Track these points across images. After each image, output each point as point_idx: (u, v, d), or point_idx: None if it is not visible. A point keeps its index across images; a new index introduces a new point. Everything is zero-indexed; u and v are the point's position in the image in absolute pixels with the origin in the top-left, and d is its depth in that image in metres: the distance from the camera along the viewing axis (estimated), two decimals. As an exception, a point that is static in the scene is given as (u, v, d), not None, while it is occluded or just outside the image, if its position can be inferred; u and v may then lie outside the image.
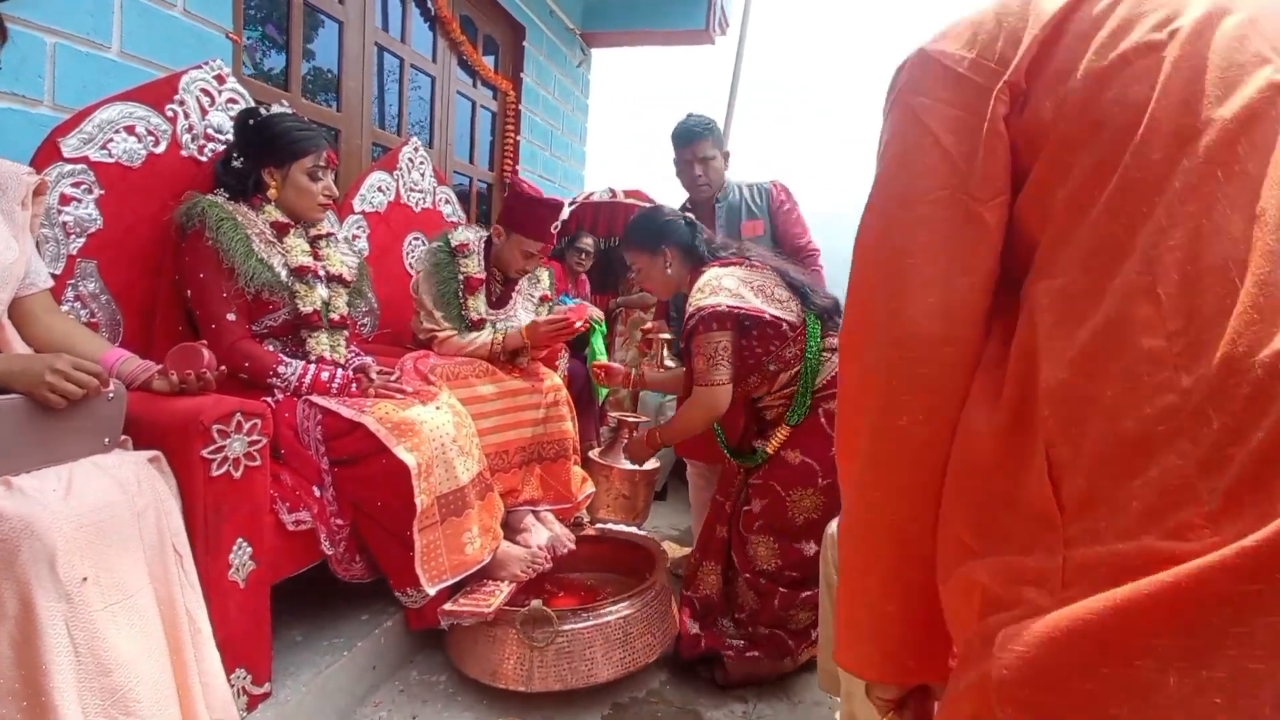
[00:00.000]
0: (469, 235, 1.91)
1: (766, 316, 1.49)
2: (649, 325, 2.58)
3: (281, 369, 1.39)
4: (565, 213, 1.94)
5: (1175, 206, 0.42)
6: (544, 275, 2.10)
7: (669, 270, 1.67)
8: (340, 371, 1.49)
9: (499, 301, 1.98)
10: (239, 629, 1.16)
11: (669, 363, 2.30)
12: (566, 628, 1.50)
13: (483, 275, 1.90)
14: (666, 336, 2.28)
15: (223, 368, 1.19)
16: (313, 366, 1.44)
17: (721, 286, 1.50)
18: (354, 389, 1.49)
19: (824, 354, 1.58)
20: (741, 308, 1.48)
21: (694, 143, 2.22)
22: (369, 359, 1.63)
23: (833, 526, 1.30)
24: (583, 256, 3.32)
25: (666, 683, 1.65)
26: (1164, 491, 0.37)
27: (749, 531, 1.60)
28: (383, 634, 1.53)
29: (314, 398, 1.40)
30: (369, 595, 1.58)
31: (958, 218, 0.51)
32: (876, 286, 0.55)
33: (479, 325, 1.88)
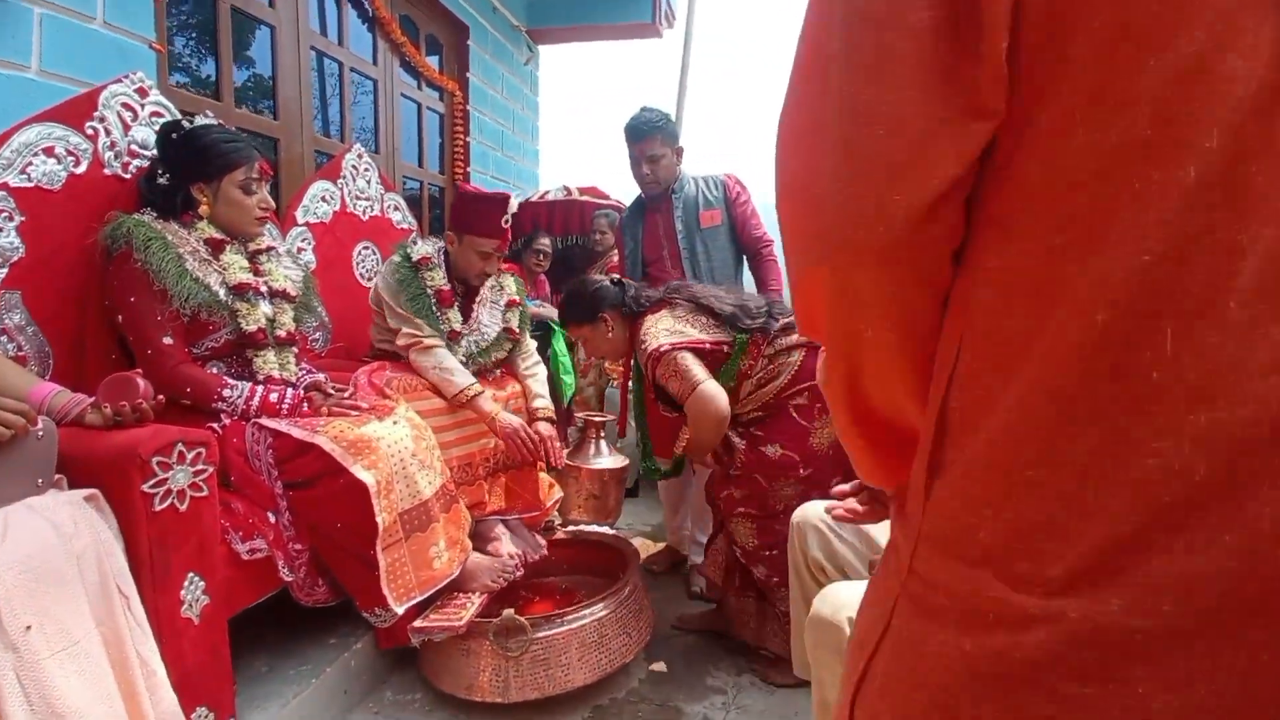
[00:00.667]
0: (427, 248, 1.85)
1: (706, 345, 1.61)
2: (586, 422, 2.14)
3: (226, 392, 1.34)
4: (513, 205, 1.89)
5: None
6: (509, 280, 2.04)
7: (611, 334, 1.76)
8: (290, 391, 1.44)
9: (464, 311, 1.91)
10: (196, 666, 1.12)
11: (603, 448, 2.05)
12: (541, 635, 1.49)
13: (449, 287, 1.84)
14: (600, 419, 2.05)
15: (160, 397, 1.14)
16: (260, 388, 1.39)
17: (659, 329, 1.63)
18: (306, 408, 1.45)
19: (774, 359, 1.66)
20: (680, 343, 1.59)
21: (643, 140, 2.23)
22: (321, 376, 1.59)
23: (798, 515, 1.32)
24: (540, 257, 3.28)
25: (646, 681, 1.65)
26: (1021, 531, 0.36)
27: (729, 514, 1.68)
28: (352, 656, 1.50)
29: (263, 420, 1.35)
30: (335, 619, 1.54)
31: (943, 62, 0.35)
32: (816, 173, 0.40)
33: (456, 338, 1.84)
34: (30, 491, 0.98)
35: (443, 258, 1.87)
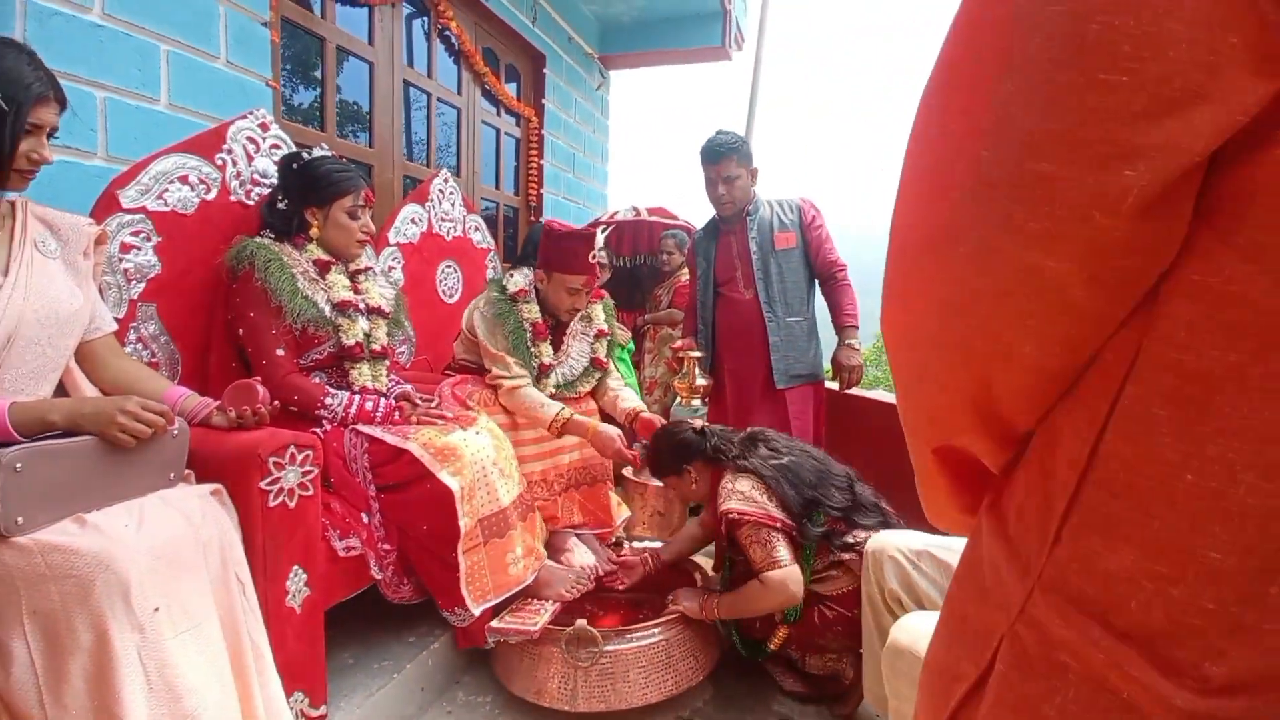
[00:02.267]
0: (521, 281, 1.90)
1: (777, 524, 1.54)
2: (679, 343, 2.59)
3: (328, 400, 1.45)
4: (600, 241, 1.95)
5: None
6: (597, 309, 2.07)
7: (695, 486, 1.75)
8: (383, 400, 1.54)
9: (554, 344, 1.96)
10: (296, 653, 1.20)
11: (700, 380, 2.30)
12: (610, 648, 1.51)
13: (543, 320, 1.89)
14: (697, 354, 2.28)
15: (276, 403, 1.25)
16: (357, 396, 1.49)
17: (737, 490, 1.59)
18: (397, 416, 1.54)
19: (824, 570, 1.58)
20: (747, 513, 1.54)
21: (718, 162, 2.24)
22: (409, 387, 1.68)
23: (874, 544, 1.30)
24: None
25: (710, 702, 1.64)
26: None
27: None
28: (430, 655, 1.57)
29: (360, 426, 1.45)
30: (415, 617, 1.62)
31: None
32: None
33: (546, 371, 1.89)
34: (162, 484, 1.09)
35: (534, 291, 1.91)
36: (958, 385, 0.40)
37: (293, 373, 1.44)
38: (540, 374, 1.88)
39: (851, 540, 1.56)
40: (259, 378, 1.31)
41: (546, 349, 1.90)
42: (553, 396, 1.88)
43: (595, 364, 2.03)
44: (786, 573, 1.49)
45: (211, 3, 1.83)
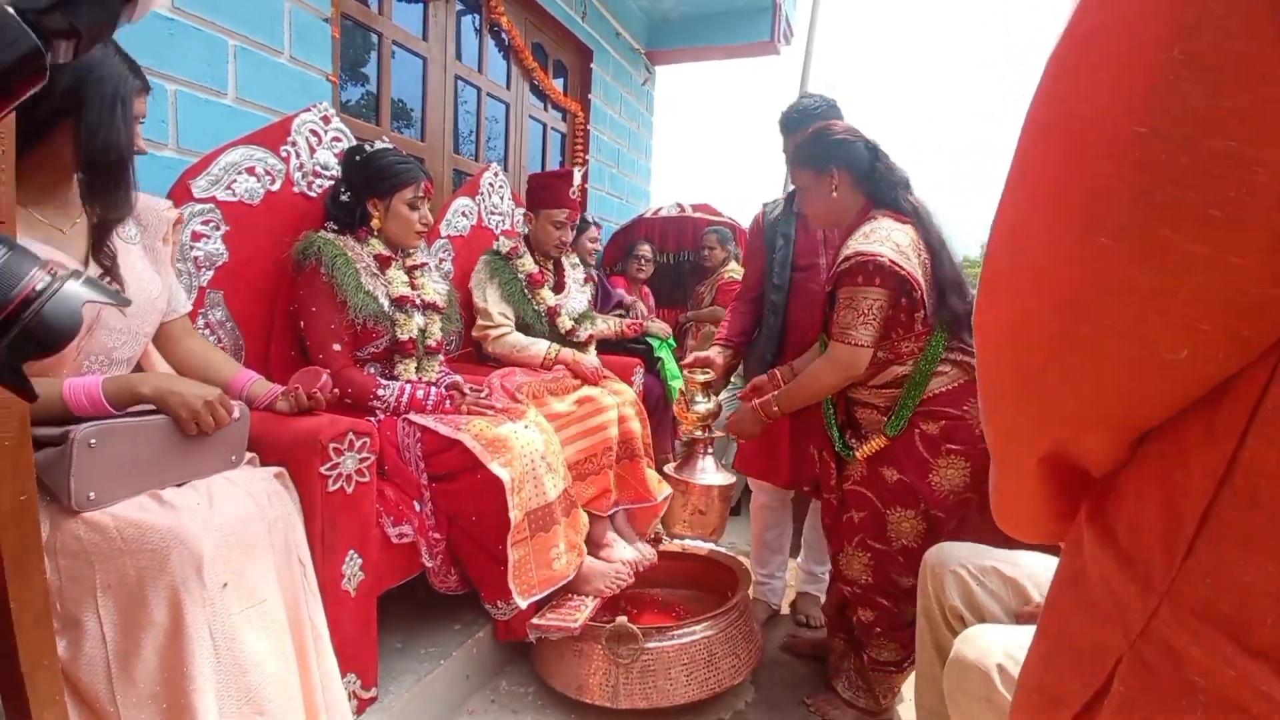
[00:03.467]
0: (510, 242, 2.10)
1: (919, 294, 1.33)
2: (691, 358, 2.15)
3: (381, 392, 1.48)
4: (577, 178, 2.15)
5: None
6: (576, 259, 2.33)
7: (834, 194, 1.45)
8: (434, 390, 1.56)
9: (557, 287, 2.17)
10: (350, 635, 1.22)
11: (703, 406, 1.98)
12: (651, 645, 1.51)
13: (539, 270, 2.08)
14: (703, 377, 1.99)
15: (335, 390, 1.27)
16: (408, 386, 1.52)
17: (891, 239, 1.33)
18: (447, 405, 1.56)
19: (940, 367, 1.41)
20: (905, 270, 1.31)
21: (799, 131, 1.82)
22: (458, 377, 1.70)
23: (933, 556, 1.26)
24: (642, 263, 3.39)
25: (752, 705, 1.63)
26: None
27: (847, 542, 1.51)
28: (475, 645, 1.59)
29: (413, 416, 1.47)
30: (460, 606, 1.64)
31: None
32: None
33: (555, 312, 2.07)
34: (225, 466, 1.12)
35: (525, 245, 2.12)
36: (1085, 390, 0.37)
37: (348, 366, 1.48)
38: (550, 317, 2.07)
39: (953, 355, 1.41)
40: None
41: (547, 293, 2.08)
42: (564, 339, 2.08)
43: (590, 306, 2.25)
44: (859, 352, 1.36)
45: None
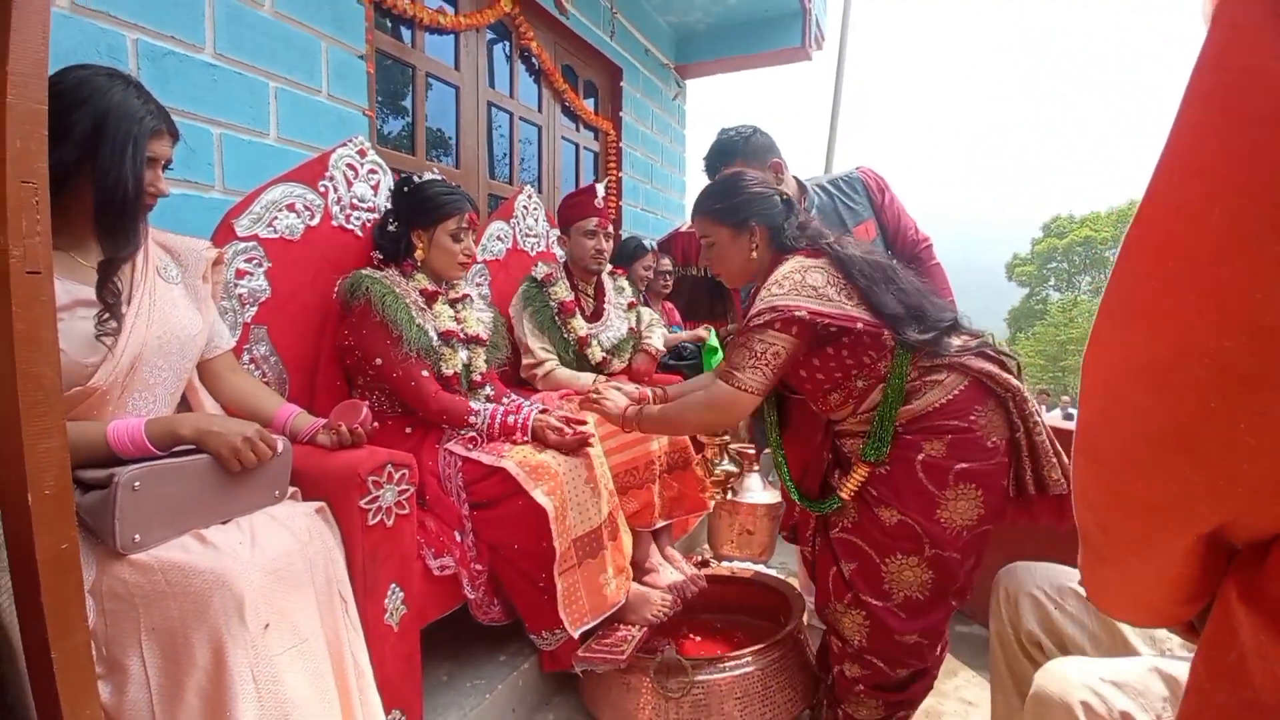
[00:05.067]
0: (547, 267, 2.09)
1: (859, 325, 1.20)
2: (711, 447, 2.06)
3: (472, 419, 1.49)
4: (600, 190, 2.15)
5: None
6: (625, 284, 2.29)
7: (753, 254, 1.34)
8: (523, 412, 1.52)
9: (594, 315, 2.14)
10: (394, 672, 1.20)
11: (727, 467, 1.99)
12: (701, 678, 1.44)
13: (573, 298, 2.06)
14: (721, 439, 1.95)
15: (376, 424, 1.27)
16: (499, 411, 1.52)
17: (806, 284, 1.21)
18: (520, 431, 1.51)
19: (919, 380, 1.24)
20: (825, 313, 1.19)
21: (718, 174, 1.69)
22: (523, 401, 1.69)
23: (1006, 577, 1.17)
24: (665, 278, 3.17)
25: (811, 739, 1.54)
26: None
27: (837, 599, 1.31)
28: (520, 676, 1.55)
29: (451, 446, 1.46)
30: (505, 636, 1.61)
31: None
32: None
33: (585, 342, 2.03)
34: (268, 501, 1.12)
35: (564, 272, 2.10)
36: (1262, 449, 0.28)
37: (440, 391, 1.50)
38: (580, 347, 2.03)
39: (954, 345, 1.24)
40: (405, 398, 1.44)
41: (578, 323, 2.05)
42: (598, 368, 2.05)
43: (630, 333, 2.19)
44: (741, 398, 1.22)
45: (314, 39, 1.93)
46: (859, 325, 1.21)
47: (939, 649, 1.33)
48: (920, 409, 1.23)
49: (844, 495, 1.28)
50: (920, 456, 1.21)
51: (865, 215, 1.81)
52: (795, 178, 1.84)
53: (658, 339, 2.31)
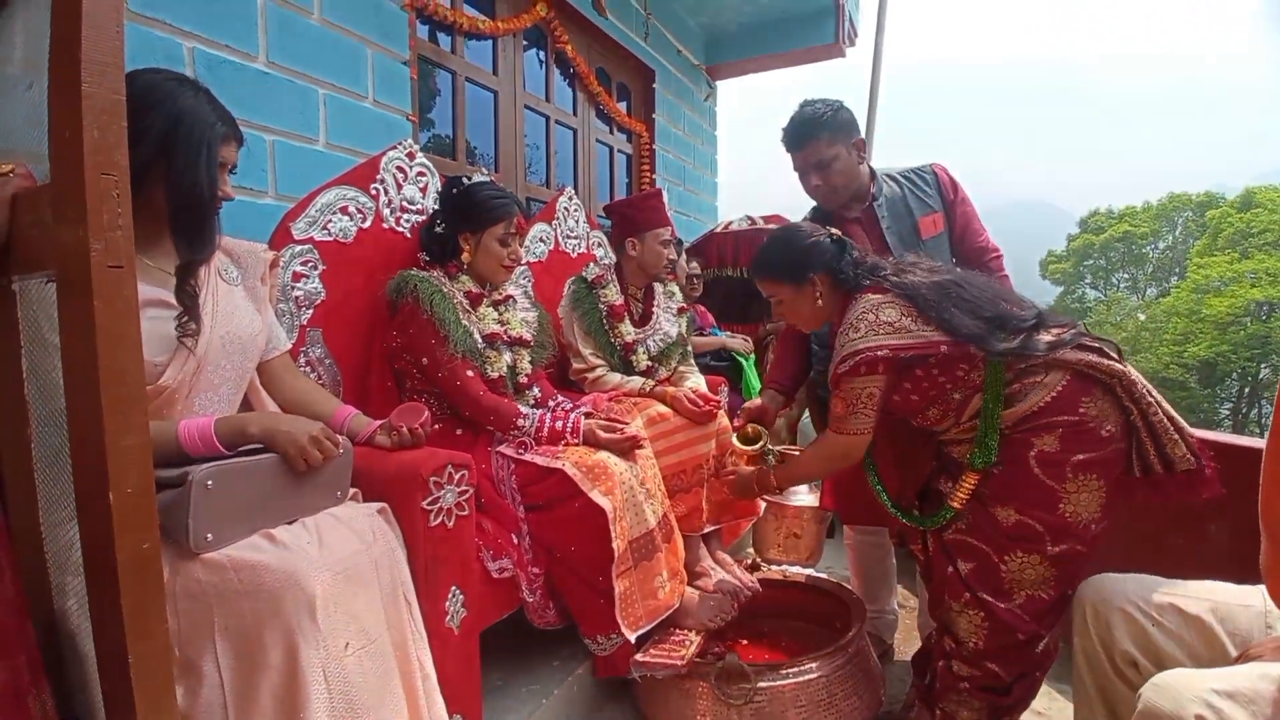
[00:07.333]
0: (598, 269, 2.02)
1: (943, 349, 1.21)
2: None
3: (522, 423, 1.47)
4: (666, 197, 2.11)
5: None
6: (675, 289, 2.20)
7: (819, 302, 1.38)
8: (571, 418, 1.51)
9: (642, 319, 2.07)
10: (454, 674, 1.18)
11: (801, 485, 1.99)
12: (765, 685, 1.40)
13: (622, 301, 1.98)
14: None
15: (438, 425, 1.26)
16: (547, 415, 1.50)
17: (881, 321, 1.24)
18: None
19: (1017, 383, 1.22)
20: (907, 346, 1.21)
21: (805, 146, 1.69)
22: (569, 404, 1.67)
23: (1090, 593, 1.10)
24: (694, 281, 3.10)
25: (877, 749, 1.48)
26: None
27: (953, 598, 1.27)
28: (575, 682, 1.52)
29: (503, 449, 1.45)
30: (559, 641, 1.58)
31: None
32: None
33: (631, 348, 1.96)
34: (331, 503, 1.11)
35: (614, 274, 2.01)
36: None
37: (487, 392, 1.48)
38: (626, 352, 1.95)
39: (1044, 341, 1.21)
40: (451, 399, 1.42)
41: (626, 328, 1.96)
42: (645, 373, 1.97)
43: (680, 340, 2.11)
44: (854, 441, 1.29)
45: (360, 46, 1.95)
46: (943, 349, 1.21)
47: (1053, 653, 1.28)
48: (1025, 410, 1.20)
49: (955, 504, 1.26)
50: (1033, 453, 1.19)
51: (935, 208, 1.78)
52: (870, 166, 1.81)
53: (689, 383, 2.12)
